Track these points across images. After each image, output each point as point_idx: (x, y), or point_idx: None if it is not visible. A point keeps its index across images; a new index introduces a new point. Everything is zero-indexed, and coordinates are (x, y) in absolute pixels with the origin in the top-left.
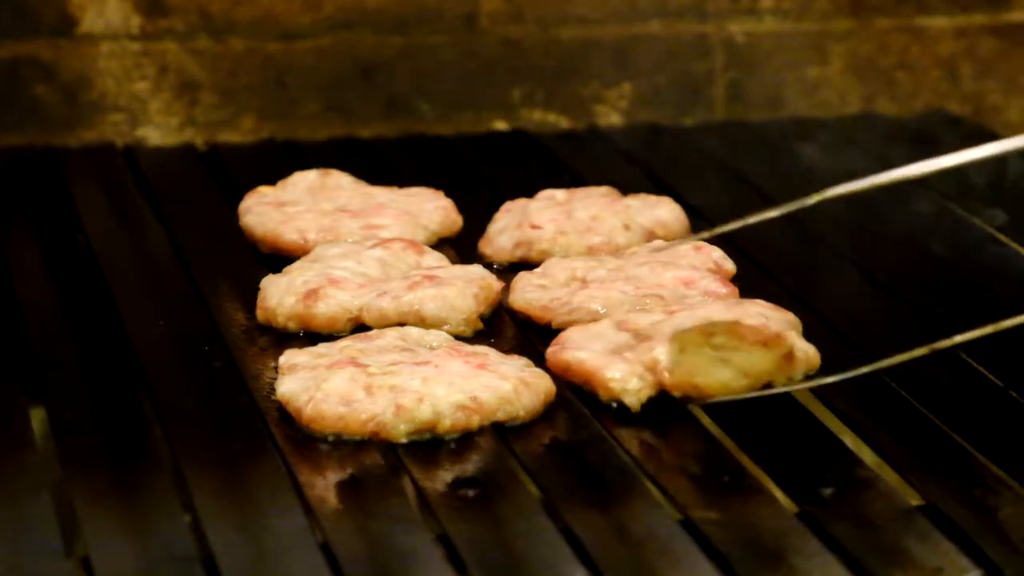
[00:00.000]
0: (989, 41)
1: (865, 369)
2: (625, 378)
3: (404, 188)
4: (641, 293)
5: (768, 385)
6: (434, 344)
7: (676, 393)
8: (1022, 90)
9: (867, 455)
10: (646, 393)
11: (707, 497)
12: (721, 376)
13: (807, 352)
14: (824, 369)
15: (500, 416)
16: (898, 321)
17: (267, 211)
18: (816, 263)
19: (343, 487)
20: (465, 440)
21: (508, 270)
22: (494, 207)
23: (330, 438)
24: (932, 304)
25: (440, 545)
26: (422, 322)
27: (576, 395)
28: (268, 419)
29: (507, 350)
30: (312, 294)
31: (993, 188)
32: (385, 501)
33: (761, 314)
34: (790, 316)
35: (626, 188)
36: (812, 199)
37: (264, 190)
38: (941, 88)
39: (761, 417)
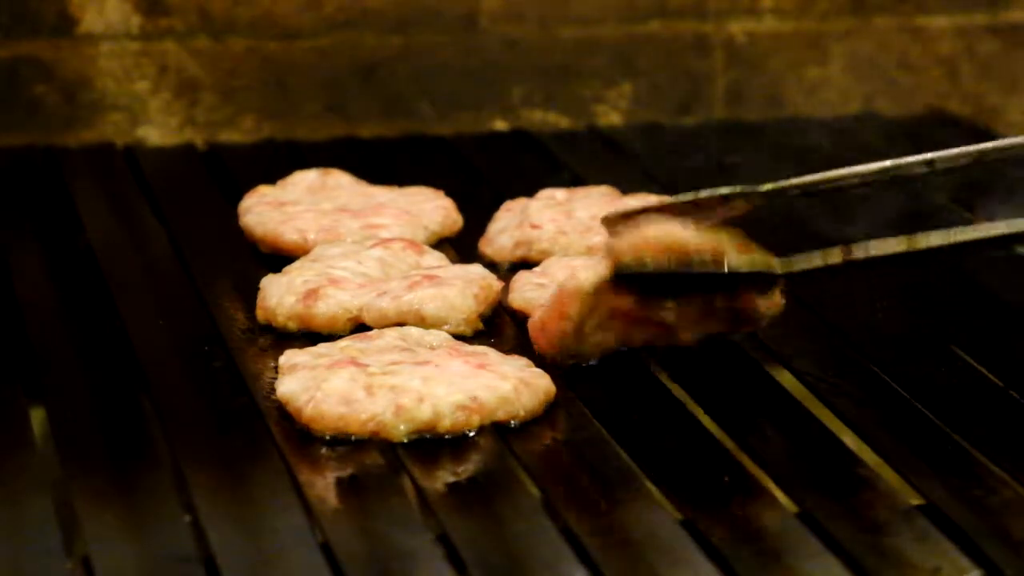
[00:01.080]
0: (989, 41)
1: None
2: (584, 276)
3: (404, 188)
4: None
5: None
6: (434, 344)
7: (628, 260)
8: (1022, 90)
9: (867, 455)
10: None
11: (707, 497)
12: (669, 227)
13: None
14: (821, 367)
15: (500, 416)
16: (894, 319)
17: (267, 211)
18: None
19: (343, 487)
20: (465, 440)
21: (508, 270)
22: (494, 207)
23: (330, 438)
24: (931, 305)
25: (440, 545)
26: (422, 322)
27: (576, 395)
28: (268, 419)
29: (507, 350)
30: (312, 294)
31: (993, 187)
32: (385, 501)
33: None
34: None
35: (626, 188)
36: (766, 187)
37: (264, 190)
38: (941, 88)
39: (761, 417)
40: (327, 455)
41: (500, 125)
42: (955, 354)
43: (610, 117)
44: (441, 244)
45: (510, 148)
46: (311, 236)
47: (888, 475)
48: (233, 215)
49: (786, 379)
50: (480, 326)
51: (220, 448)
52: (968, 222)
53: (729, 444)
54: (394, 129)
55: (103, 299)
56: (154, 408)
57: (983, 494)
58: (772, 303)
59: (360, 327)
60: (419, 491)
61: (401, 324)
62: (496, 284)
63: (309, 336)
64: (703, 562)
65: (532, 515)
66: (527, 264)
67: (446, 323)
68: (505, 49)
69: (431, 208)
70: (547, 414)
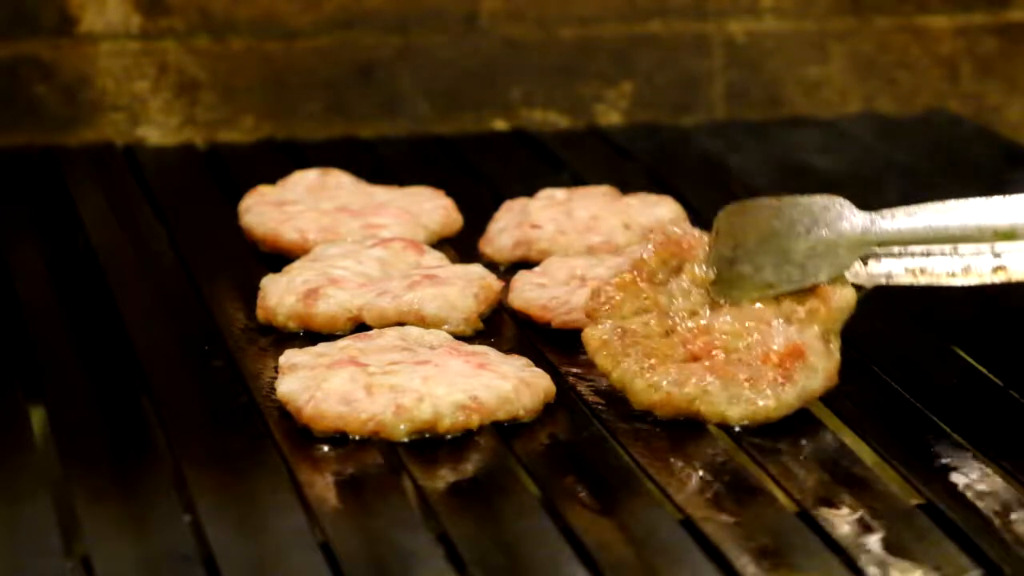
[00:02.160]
0: (989, 41)
1: None
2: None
3: (404, 188)
4: None
5: None
6: (434, 343)
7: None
8: (1022, 90)
9: (867, 455)
10: None
11: (707, 497)
12: None
13: None
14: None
15: (500, 416)
16: (895, 320)
17: (267, 210)
18: None
19: (343, 487)
20: (465, 440)
21: (508, 270)
22: (494, 207)
23: (330, 438)
24: (931, 305)
25: (440, 545)
26: (422, 321)
27: (576, 395)
28: (268, 419)
29: (507, 350)
30: (312, 293)
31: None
32: (385, 501)
33: None
34: None
35: (626, 188)
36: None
37: (264, 189)
38: (941, 88)
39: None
40: (327, 455)
41: (500, 125)
42: (955, 354)
43: (610, 117)
44: (441, 244)
45: (510, 148)
46: (311, 236)
47: (888, 475)
48: (233, 215)
49: None
50: (480, 326)
51: (220, 448)
52: None
53: (729, 444)
54: (394, 129)
55: (103, 299)
56: (154, 408)
57: (983, 494)
58: (828, 372)
59: (360, 327)
60: (419, 491)
61: (401, 324)
62: (496, 284)
63: (309, 336)
64: (703, 562)
65: (532, 515)
66: (527, 264)
67: (446, 323)
68: (505, 49)
69: (431, 208)
70: (547, 414)
